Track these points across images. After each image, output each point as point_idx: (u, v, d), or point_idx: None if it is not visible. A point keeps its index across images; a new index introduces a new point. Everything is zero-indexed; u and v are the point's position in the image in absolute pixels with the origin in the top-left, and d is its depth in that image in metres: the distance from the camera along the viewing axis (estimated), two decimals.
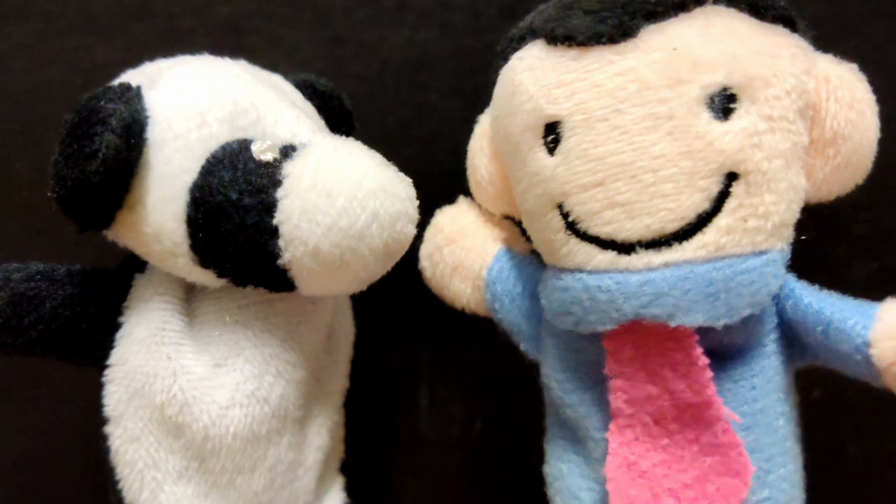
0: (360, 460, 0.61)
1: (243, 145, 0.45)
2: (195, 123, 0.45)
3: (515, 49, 0.47)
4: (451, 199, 0.57)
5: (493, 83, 0.49)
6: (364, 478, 0.62)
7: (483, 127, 0.52)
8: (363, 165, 0.44)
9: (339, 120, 0.57)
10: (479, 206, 0.55)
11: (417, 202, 0.46)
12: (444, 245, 0.54)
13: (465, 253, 0.53)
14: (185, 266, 0.47)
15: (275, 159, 0.45)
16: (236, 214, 0.44)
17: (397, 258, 0.47)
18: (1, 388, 0.67)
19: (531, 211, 0.47)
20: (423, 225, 0.55)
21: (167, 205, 0.45)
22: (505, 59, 0.48)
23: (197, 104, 0.46)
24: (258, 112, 0.47)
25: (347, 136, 0.52)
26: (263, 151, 0.45)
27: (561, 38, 0.44)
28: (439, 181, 0.62)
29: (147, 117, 0.45)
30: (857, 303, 0.43)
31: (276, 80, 0.52)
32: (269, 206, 0.44)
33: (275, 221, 0.44)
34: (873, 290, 0.44)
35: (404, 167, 0.46)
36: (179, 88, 0.46)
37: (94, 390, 0.49)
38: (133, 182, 0.45)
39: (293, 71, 0.56)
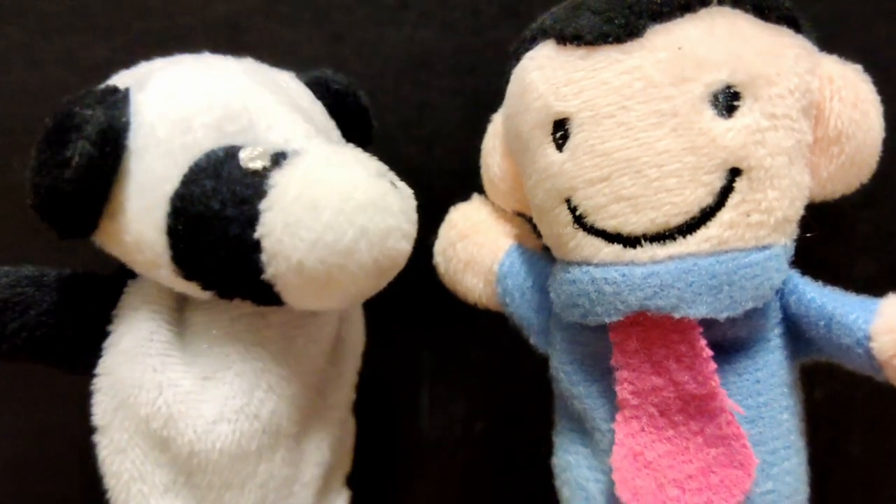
0: (361, 461, 0.61)
1: (230, 152, 0.44)
2: (179, 129, 0.44)
3: (527, 49, 0.48)
4: (451, 199, 0.57)
5: (507, 83, 0.50)
6: (365, 478, 0.62)
7: (496, 125, 0.53)
8: (353, 177, 0.42)
9: (354, 118, 0.55)
10: (492, 203, 0.55)
11: (415, 216, 0.45)
12: (457, 241, 0.54)
13: (478, 248, 0.53)
14: (169, 277, 0.45)
15: (264, 168, 0.43)
16: (218, 226, 0.42)
17: (391, 275, 0.45)
18: (0, 388, 0.67)
19: (540, 206, 0.47)
20: (423, 226, 0.55)
21: (148, 214, 0.43)
22: (517, 59, 0.49)
23: (183, 109, 0.44)
24: (250, 116, 0.45)
25: (364, 133, 0.51)
26: (253, 159, 0.43)
27: (570, 37, 0.44)
28: (439, 181, 0.62)
29: (127, 123, 0.43)
30: (860, 298, 0.44)
31: (283, 79, 0.51)
32: (252, 219, 0.42)
33: (257, 235, 0.42)
34: (875, 290, 0.44)
35: (404, 167, 0.46)
36: (167, 92, 0.45)
37: (92, 395, 0.48)
38: (113, 190, 0.44)
39: (295, 69, 0.56)
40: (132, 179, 0.44)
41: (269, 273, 0.42)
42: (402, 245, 0.44)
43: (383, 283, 0.45)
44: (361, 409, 0.60)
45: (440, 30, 0.64)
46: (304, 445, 0.51)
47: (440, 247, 0.55)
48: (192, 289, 0.46)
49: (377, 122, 0.63)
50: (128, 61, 0.50)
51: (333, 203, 0.41)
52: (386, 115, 0.65)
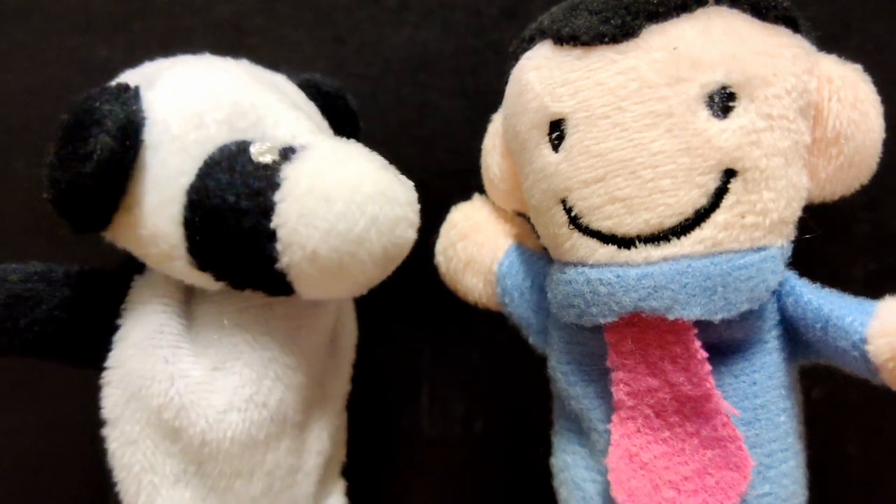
0: (361, 460, 0.61)
1: (241, 147, 0.45)
2: (192, 125, 0.45)
3: (525, 49, 0.48)
4: (451, 199, 0.57)
5: (507, 83, 0.50)
6: (365, 477, 0.62)
7: (496, 125, 0.53)
8: (362, 169, 0.44)
9: (343, 120, 0.56)
10: (493, 203, 0.56)
11: (418, 206, 0.46)
12: (457, 240, 0.54)
13: (478, 248, 0.54)
14: (183, 269, 0.46)
15: (274, 161, 0.45)
16: (233, 217, 0.44)
17: (397, 263, 0.46)
18: (1, 388, 0.67)
19: (537, 206, 0.48)
20: (424, 226, 0.55)
21: (164, 208, 0.45)
22: (516, 59, 0.49)
23: (195, 105, 0.46)
24: (258, 113, 0.47)
25: (353, 136, 0.52)
26: (262, 153, 0.45)
27: (566, 37, 0.44)
28: (440, 181, 0.63)
29: (144, 118, 0.45)
30: (857, 300, 0.44)
31: (278, 80, 0.52)
32: (267, 210, 0.43)
33: (272, 225, 0.43)
34: (873, 291, 0.44)
35: (405, 167, 0.47)
36: (177, 89, 0.46)
37: (96, 390, 0.48)
38: (129, 184, 0.45)
39: (295, 71, 0.56)
40: (148, 174, 0.45)
41: (284, 262, 0.44)
42: (409, 233, 0.45)
43: (389, 271, 0.47)
44: (362, 407, 0.61)
45: (441, 31, 0.64)
46: (306, 435, 0.53)
47: (441, 246, 0.56)
48: (204, 279, 0.47)
49: (378, 123, 0.63)
50: (130, 61, 0.51)
51: (345, 194, 0.42)
52: (387, 116, 0.65)
